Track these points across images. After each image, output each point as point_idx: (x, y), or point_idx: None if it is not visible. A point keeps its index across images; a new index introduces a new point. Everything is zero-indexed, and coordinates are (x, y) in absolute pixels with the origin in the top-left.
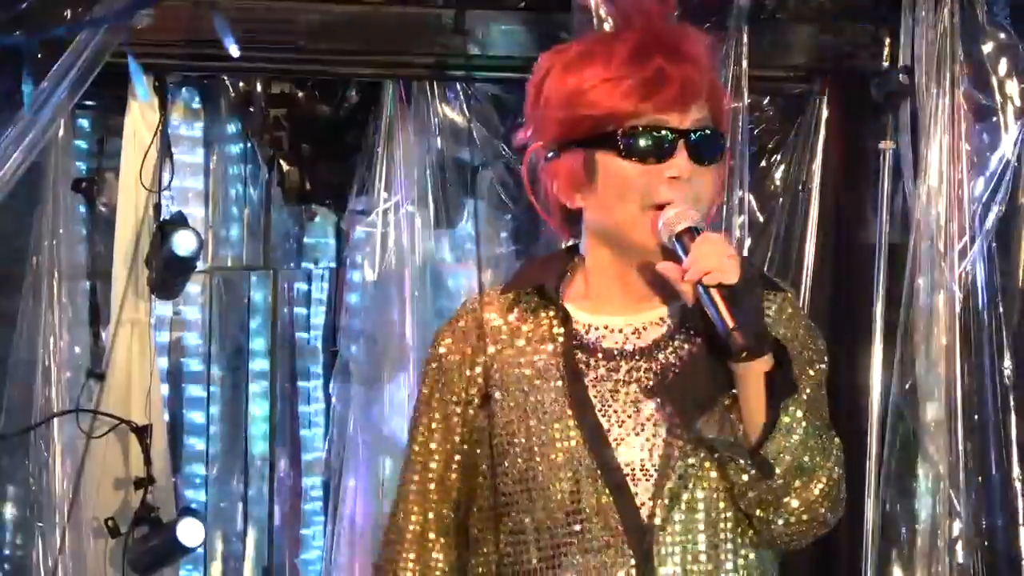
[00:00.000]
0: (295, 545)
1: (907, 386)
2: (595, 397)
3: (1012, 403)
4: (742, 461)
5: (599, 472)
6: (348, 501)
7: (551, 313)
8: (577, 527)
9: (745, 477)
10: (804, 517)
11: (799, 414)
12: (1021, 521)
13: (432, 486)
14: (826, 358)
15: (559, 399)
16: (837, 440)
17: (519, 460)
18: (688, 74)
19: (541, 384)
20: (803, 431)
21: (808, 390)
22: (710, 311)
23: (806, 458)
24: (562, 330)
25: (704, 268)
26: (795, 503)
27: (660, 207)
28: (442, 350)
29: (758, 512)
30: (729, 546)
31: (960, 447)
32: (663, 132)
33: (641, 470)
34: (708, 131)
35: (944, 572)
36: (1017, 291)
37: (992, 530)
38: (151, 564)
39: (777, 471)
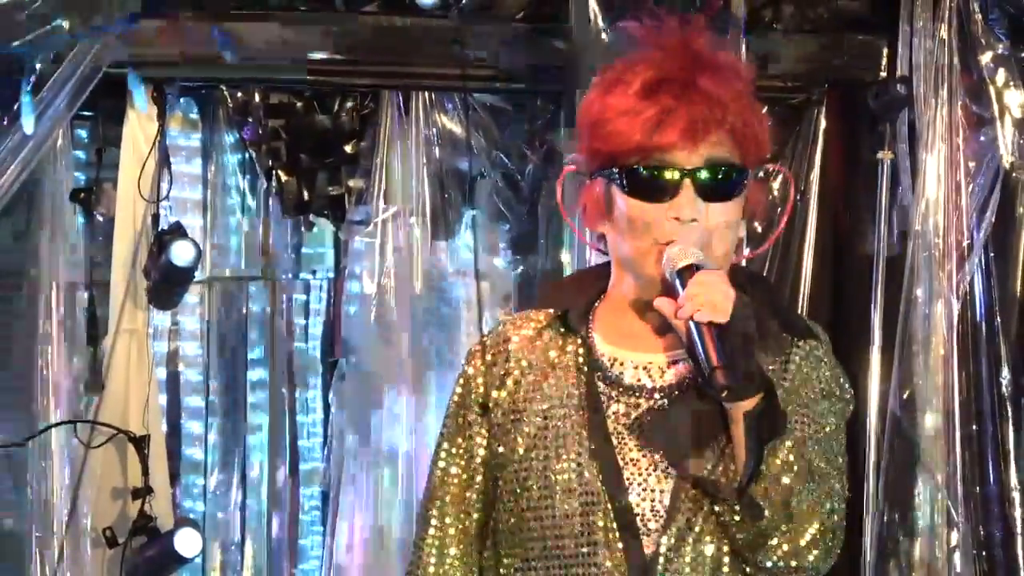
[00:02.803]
0: (293, 555)
1: (905, 396)
2: (613, 433)
3: (1009, 413)
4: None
5: (610, 507)
6: (346, 511)
7: (579, 340)
8: (585, 558)
9: (737, 517)
10: (792, 563)
11: (791, 457)
12: (1018, 530)
13: (450, 509)
14: (851, 407)
15: (578, 431)
16: (839, 488)
17: (534, 487)
18: (698, 110)
19: (561, 413)
20: (795, 475)
21: (817, 434)
22: (697, 348)
23: (795, 502)
24: (587, 360)
25: (696, 305)
26: (785, 546)
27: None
28: (470, 371)
29: (747, 553)
30: None
31: (958, 457)
32: (665, 172)
33: (651, 510)
34: (720, 168)
35: None
36: (1015, 301)
37: (990, 539)
38: (149, 574)
39: (766, 513)
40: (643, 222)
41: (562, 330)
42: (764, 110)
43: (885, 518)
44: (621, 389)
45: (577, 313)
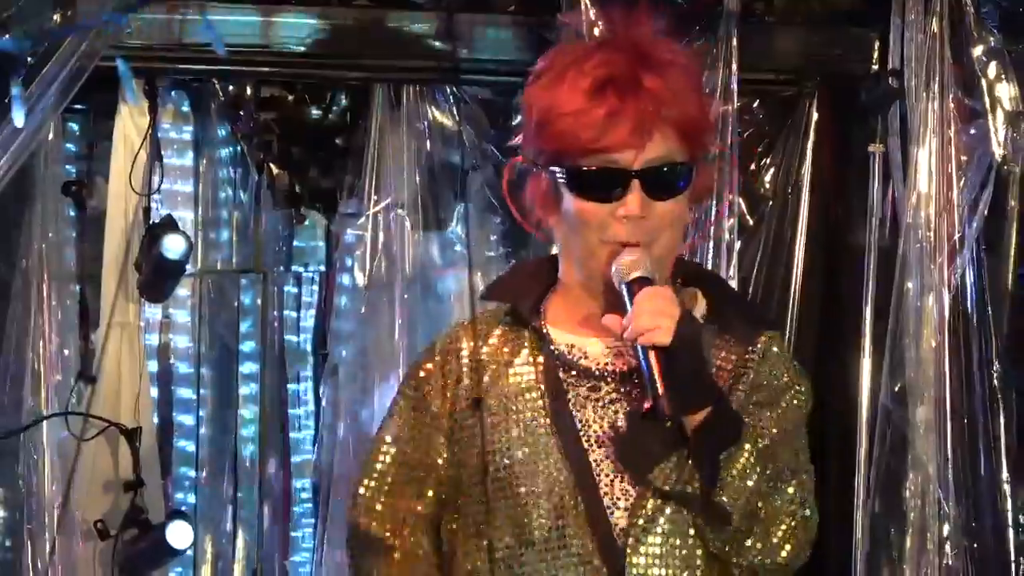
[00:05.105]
0: (285, 547)
1: (896, 388)
2: (577, 418)
3: (1001, 405)
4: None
5: (577, 491)
6: (337, 503)
7: (532, 331)
8: (554, 544)
9: (708, 522)
10: (766, 560)
11: (753, 460)
12: (1009, 523)
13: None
14: (811, 401)
15: (541, 419)
16: (808, 482)
17: (500, 478)
18: (643, 111)
19: (522, 404)
20: (759, 477)
21: (782, 431)
22: (644, 372)
23: (760, 503)
24: (543, 348)
25: (639, 328)
26: (759, 545)
27: (618, 243)
28: (422, 373)
29: (721, 554)
30: (700, 565)
31: (949, 449)
32: (613, 173)
33: (621, 491)
34: (665, 167)
35: (933, 574)
36: (1006, 293)
37: (981, 532)
38: (140, 567)
39: (734, 518)
40: (591, 221)
41: (514, 323)
42: (756, 103)
43: (876, 510)
44: (579, 373)
45: (528, 305)
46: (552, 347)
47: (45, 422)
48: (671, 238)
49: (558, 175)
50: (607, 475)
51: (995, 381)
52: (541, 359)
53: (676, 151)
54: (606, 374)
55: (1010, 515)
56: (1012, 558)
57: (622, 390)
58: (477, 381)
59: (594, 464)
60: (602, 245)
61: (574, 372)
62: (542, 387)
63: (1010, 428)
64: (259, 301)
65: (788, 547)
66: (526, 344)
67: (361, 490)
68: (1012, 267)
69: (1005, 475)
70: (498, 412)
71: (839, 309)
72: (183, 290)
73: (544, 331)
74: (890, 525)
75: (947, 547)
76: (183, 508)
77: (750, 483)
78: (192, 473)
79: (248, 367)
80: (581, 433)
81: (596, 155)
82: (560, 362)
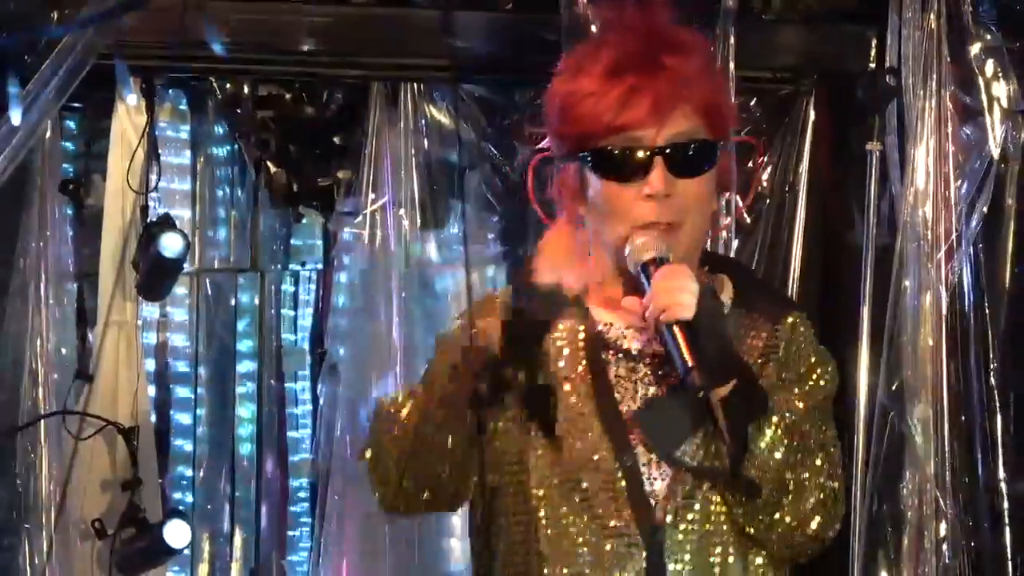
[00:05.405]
0: (282, 547)
1: (894, 387)
2: (617, 396)
3: (998, 404)
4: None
5: (616, 465)
6: (335, 502)
7: (575, 309)
8: (591, 517)
9: (737, 496)
10: (796, 532)
11: (780, 432)
12: (1007, 521)
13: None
14: (836, 381)
15: (582, 394)
16: (836, 456)
17: (540, 451)
18: (663, 87)
19: (564, 377)
20: (786, 449)
21: (810, 406)
22: (671, 348)
23: (789, 475)
24: (585, 325)
25: (660, 306)
26: (788, 517)
27: (644, 226)
28: (466, 328)
29: (750, 527)
30: (737, 544)
31: (946, 448)
32: (636, 151)
33: (657, 467)
34: (688, 144)
35: (931, 573)
36: (1003, 291)
37: (978, 530)
38: (138, 566)
39: (763, 490)
40: (618, 204)
41: (557, 300)
42: (754, 101)
43: (874, 509)
44: (622, 354)
45: (572, 283)
46: (593, 323)
47: (42, 421)
48: (699, 220)
49: (582, 160)
50: (645, 452)
51: (992, 379)
52: (582, 336)
53: (699, 129)
54: (645, 356)
55: (1007, 514)
56: (1009, 556)
57: (659, 372)
58: (519, 352)
59: (633, 441)
60: (631, 231)
61: (613, 351)
62: (584, 363)
63: (1007, 426)
64: (257, 300)
65: (818, 518)
66: (568, 320)
67: (386, 399)
68: (1009, 265)
69: (1002, 473)
70: (540, 386)
71: (836, 307)
72: (181, 289)
73: (587, 310)
74: (888, 524)
75: (945, 546)
76: (181, 507)
77: (778, 455)
78: (189, 472)
79: (246, 366)
80: (621, 410)
81: (618, 134)
82: (601, 340)
